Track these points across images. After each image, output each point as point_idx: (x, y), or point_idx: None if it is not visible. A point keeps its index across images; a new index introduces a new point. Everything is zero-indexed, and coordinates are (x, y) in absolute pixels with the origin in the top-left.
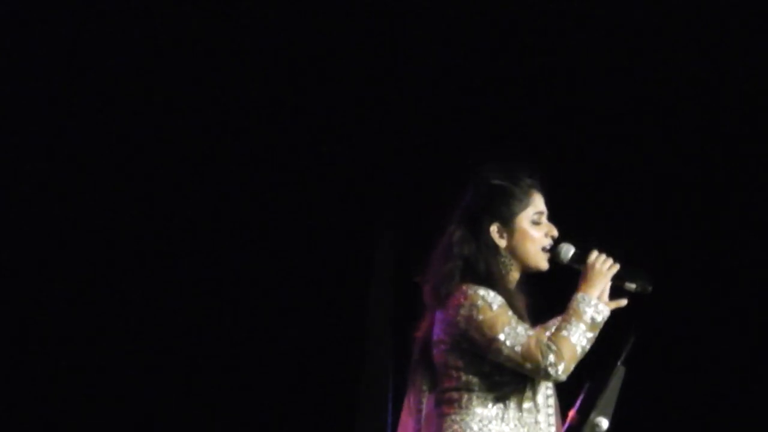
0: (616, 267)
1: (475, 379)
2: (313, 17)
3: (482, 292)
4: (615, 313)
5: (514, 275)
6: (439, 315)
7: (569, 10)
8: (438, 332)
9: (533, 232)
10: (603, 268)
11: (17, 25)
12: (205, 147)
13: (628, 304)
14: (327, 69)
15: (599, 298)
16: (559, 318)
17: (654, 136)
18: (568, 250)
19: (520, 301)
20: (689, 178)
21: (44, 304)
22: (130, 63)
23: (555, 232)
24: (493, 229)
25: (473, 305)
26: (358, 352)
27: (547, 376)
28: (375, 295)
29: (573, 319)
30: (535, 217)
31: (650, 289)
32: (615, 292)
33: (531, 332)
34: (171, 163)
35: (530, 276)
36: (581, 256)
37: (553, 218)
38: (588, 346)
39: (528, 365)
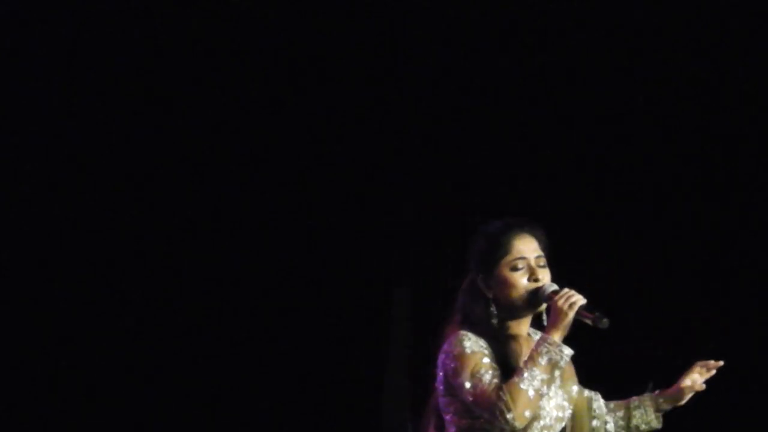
0: (579, 303)
1: (467, 424)
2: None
3: (464, 337)
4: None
5: (510, 322)
6: (437, 363)
7: (569, 10)
8: (437, 379)
9: (513, 278)
10: (565, 306)
11: (17, 25)
12: (223, 191)
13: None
14: (354, 129)
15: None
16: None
17: (654, 136)
18: (547, 289)
19: (518, 348)
20: (689, 178)
21: (44, 304)
22: (130, 63)
23: (539, 275)
24: (480, 280)
25: (452, 351)
26: (376, 404)
27: (504, 423)
28: (393, 352)
29: (528, 364)
30: (515, 263)
31: (606, 323)
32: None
33: (497, 380)
34: (178, 180)
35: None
36: (554, 293)
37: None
38: (544, 387)
39: (484, 413)
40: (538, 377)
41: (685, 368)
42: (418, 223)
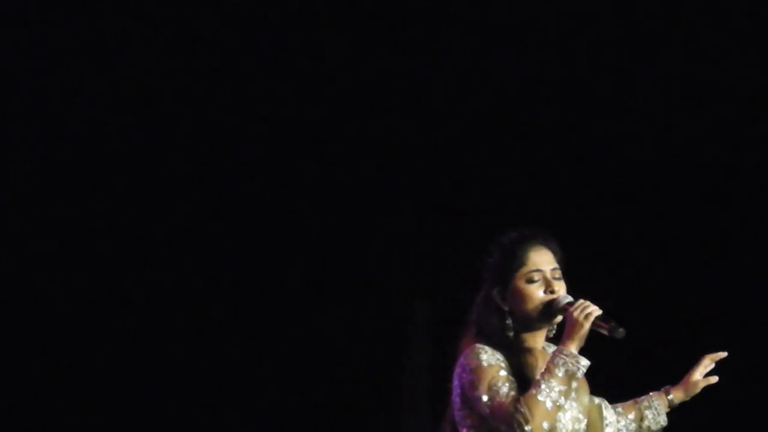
0: (595, 314)
1: None
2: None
3: (481, 350)
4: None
5: (526, 335)
6: (453, 376)
7: (569, 10)
8: (453, 392)
9: (529, 290)
10: (580, 317)
11: (17, 25)
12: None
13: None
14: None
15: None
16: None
17: (654, 136)
18: (562, 301)
19: (534, 360)
20: (689, 177)
21: (44, 304)
22: (130, 63)
23: (555, 288)
24: (495, 293)
25: (469, 364)
26: (396, 417)
27: None
28: (411, 367)
29: (545, 375)
30: (530, 275)
31: (622, 332)
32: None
33: (514, 392)
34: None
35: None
36: (569, 305)
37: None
38: (561, 399)
39: (501, 426)
40: (556, 389)
41: (685, 366)
42: (436, 234)
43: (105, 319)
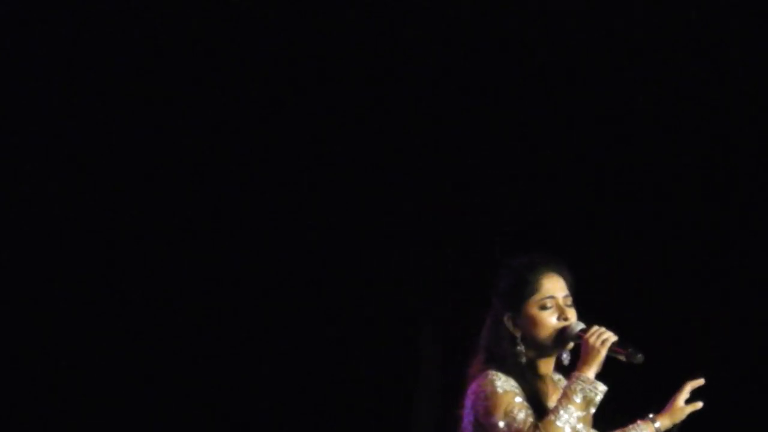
0: (611, 340)
1: None
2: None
3: (495, 377)
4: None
5: (537, 361)
6: (465, 403)
7: (569, 10)
8: (465, 419)
9: (542, 317)
10: (597, 343)
11: (17, 25)
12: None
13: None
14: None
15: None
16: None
17: (654, 136)
18: (575, 327)
19: (545, 387)
20: (689, 178)
21: (44, 304)
22: (130, 63)
23: (568, 315)
24: (507, 319)
25: (483, 391)
26: None
27: None
28: (421, 391)
29: (563, 401)
30: (543, 302)
31: (640, 358)
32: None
33: (532, 419)
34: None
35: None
36: (583, 332)
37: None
38: (580, 425)
39: None
40: (574, 414)
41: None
42: (444, 254)
43: (105, 319)
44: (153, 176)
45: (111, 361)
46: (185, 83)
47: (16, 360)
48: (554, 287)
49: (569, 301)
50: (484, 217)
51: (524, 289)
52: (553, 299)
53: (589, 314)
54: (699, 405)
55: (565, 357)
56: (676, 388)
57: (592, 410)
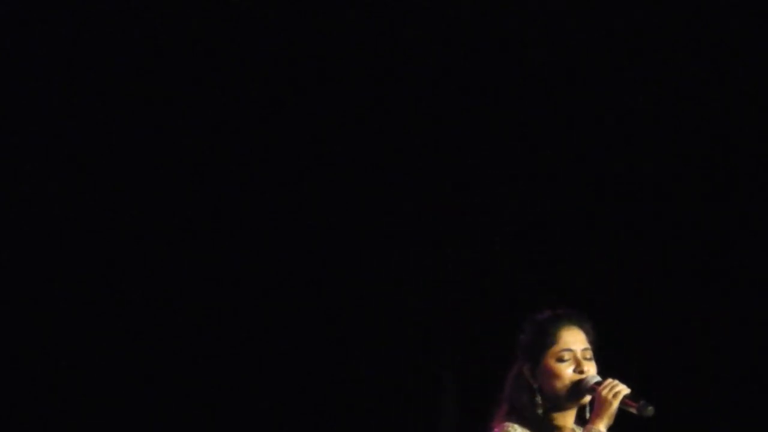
0: (624, 393)
1: None
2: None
3: (512, 429)
4: None
5: (555, 413)
6: None
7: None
8: None
9: (559, 369)
10: (609, 395)
11: (17, 25)
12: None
13: None
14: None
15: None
16: None
17: (653, 136)
18: (590, 380)
19: None
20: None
21: (44, 304)
22: (130, 63)
23: (584, 368)
24: (526, 369)
25: None
26: None
27: None
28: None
29: None
30: (561, 354)
31: (651, 410)
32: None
33: None
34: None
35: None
36: (598, 384)
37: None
38: None
39: None
40: None
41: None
42: (462, 305)
43: (104, 319)
44: (153, 176)
45: (111, 361)
46: (185, 83)
47: (16, 360)
48: (573, 339)
49: (588, 354)
50: (484, 217)
51: (543, 341)
52: (571, 352)
53: (587, 311)
54: None
55: (588, 411)
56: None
57: None
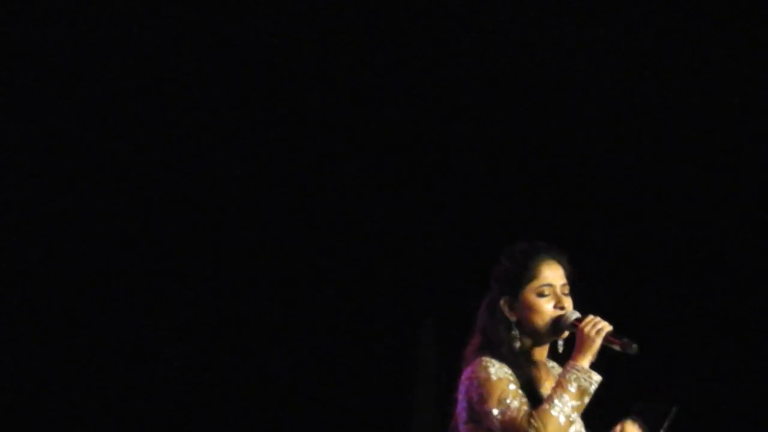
0: (606, 330)
1: None
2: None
3: (489, 364)
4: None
5: (532, 348)
6: (459, 389)
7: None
8: (459, 405)
9: (539, 304)
10: (592, 332)
11: (17, 25)
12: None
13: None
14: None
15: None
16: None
17: (653, 136)
18: (570, 316)
19: (538, 374)
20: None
21: (44, 304)
22: (130, 63)
23: (564, 303)
24: (503, 303)
25: (477, 377)
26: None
27: None
28: (420, 386)
29: (558, 390)
30: (541, 289)
31: (635, 348)
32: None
33: (526, 407)
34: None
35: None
36: (579, 321)
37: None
38: (574, 414)
39: None
40: (569, 403)
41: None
42: (442, 250)
43: (104, 318)
44: (153, 176)
45: (111, 360)
46: (186, 83)
47: (16, 360)
48: (553, 275)
49: (566, 289)
50: (483, 218)
51: (523, 274)
52: (551, 287)
53: (586, 307)
54: None
55: (560, 344)
56: (670, 381)
57: (587, 400)
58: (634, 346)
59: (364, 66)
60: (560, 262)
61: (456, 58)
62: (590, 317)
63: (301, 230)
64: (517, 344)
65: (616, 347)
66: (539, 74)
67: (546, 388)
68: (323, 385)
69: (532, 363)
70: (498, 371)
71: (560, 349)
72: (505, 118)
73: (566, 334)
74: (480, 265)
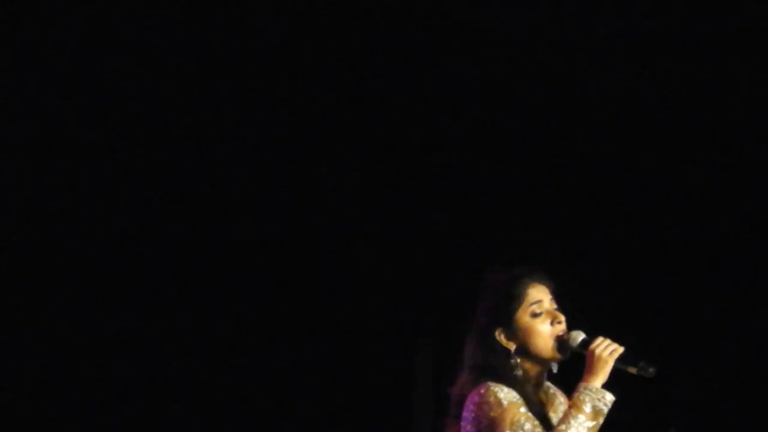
0: (619, 351)
1: None
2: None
3: (496, 389)
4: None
5: (533, 372)
6: (463, 415)
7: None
8: (463, 430)
9: (535, 325)
10: (604, 354)
11: (17, 25)
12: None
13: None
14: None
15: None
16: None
17: (653, 136)
18: (576, 337)
19: (542, 397)
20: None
21: (44, 304)
22: (130, 63)
23: (560, 317)
24: (498, 333)
25: (486, 402)
26: None
27: None
28: (417, 409)
29: (573, 411)
30: (533, 309)
31: (652, 372)
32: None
33: (539, 429)
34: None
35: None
36: (587, 343)
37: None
38: None
39: None
40: (584, 424)
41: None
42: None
43: (104, 318)
44: (152, 176)
45: (110, 360)
46: (185, 83)
47: (16, 360)
48: (540, 294)
49: (555, 305)
50: (483, 218)
51: (511, 300)
52: (541, 303)
53: (582, 316)
54: None
55: (554, 366)
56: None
57: (601, 420)
58: (652, 369)
59: (363, 66)
60: (542, 281)
61: (452, 60)
62: (600, 338)
63: (300, 231)
64: (519, 372)
65: (632, 370)
66: (539, 74)
67: (550, 410)
68: (323, 386)
69: (536, 386)
70: (507, 395)
71: (554, 370)
72: (505, 118)
73: (568, 355)
74: (480, 265)
